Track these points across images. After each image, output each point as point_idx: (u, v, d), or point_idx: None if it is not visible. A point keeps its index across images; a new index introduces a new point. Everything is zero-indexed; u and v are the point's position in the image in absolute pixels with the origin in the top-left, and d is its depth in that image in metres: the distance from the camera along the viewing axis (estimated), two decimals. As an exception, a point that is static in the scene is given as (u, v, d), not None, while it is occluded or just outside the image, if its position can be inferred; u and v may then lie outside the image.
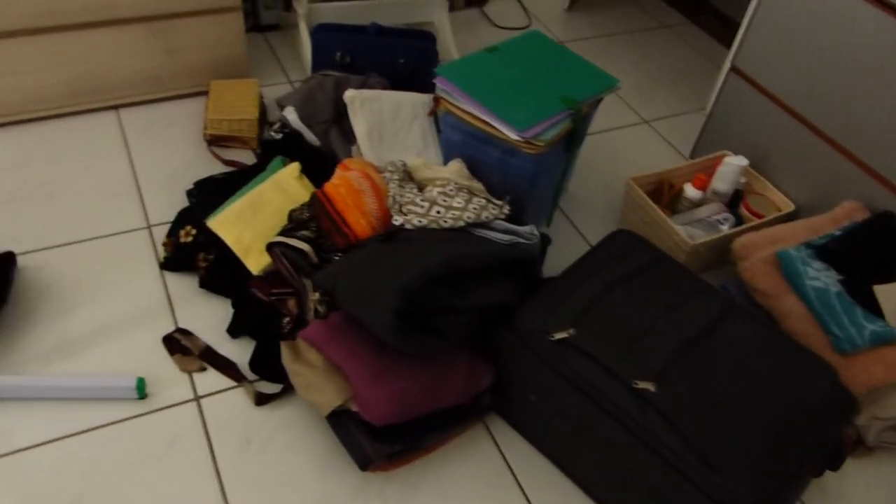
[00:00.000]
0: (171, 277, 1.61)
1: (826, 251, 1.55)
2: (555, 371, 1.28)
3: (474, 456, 1.41)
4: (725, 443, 1.15)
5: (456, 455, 1.40)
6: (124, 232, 1.69)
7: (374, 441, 1.28)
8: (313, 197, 1.51)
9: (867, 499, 1.45)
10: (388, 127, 1.78)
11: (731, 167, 1.82)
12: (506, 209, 1.52)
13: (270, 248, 1.45)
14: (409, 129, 1.80)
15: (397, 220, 1.44)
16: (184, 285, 1.60)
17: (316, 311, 1.40)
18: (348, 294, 1.26)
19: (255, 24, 2.38)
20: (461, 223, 1.45)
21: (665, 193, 1.89)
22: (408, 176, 1.59)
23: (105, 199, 1.76)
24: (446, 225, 1.43)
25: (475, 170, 1.63)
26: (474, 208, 1.47)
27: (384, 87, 1.87)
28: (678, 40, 2.75)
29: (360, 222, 1.44)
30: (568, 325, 1.28)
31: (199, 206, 1.68)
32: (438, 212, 1.45)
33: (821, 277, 1.51)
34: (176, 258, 1.61)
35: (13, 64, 1.79)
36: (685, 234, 1.71)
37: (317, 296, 1.40)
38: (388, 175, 1.56)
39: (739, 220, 1.84)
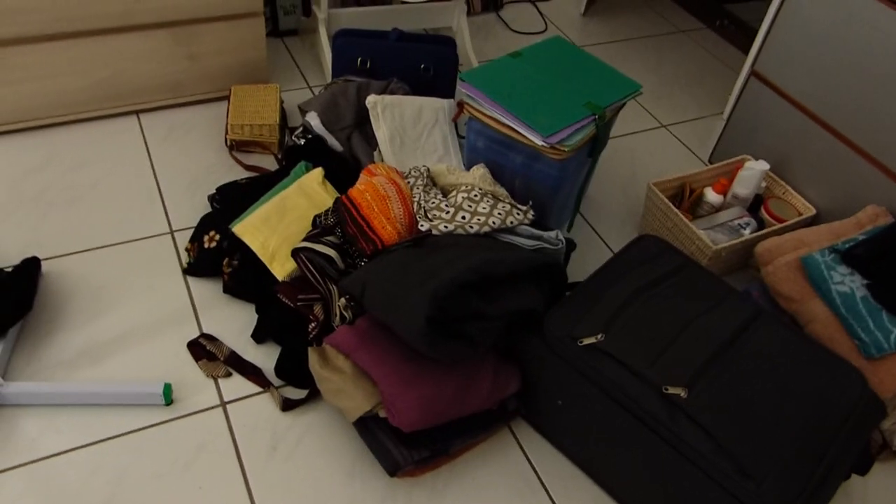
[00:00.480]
0: (194, 283, 1.61)
1: (851, 256, 1.54)
2: (583, 376, 1.28)
3: (501, 461, 1.41)
4: (757, 448, 1.14)
5: (482, 460, 1.40)
6: (147, 237, 1.69)
7: (402, 447, 1.28)
8: (338, 202, 1.51)
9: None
10: (410, 132, 1.78)
11: (752, 171, 1.82)
12: (530, 214, 1.52)
13: (296, 253, 1.45)
14: (430, 134, 1.81)
15: (424, 226, 1.44)
16: (207, 290, 1.60)
17: (342, 316, 1.40)
18: (378, 300, 1.26)
19: (273, 29, 2.38)
20: (486, 228, 1.45)
21: (685, 198, 1.88)
22: (431, 181, 1.59)
23: (127, 203, 1.76)
24: (472, 230, 1.43)
25: (498, 175, 1.63)
26: (499, 214, 1.47)
27: (406, 93, 1.87)
28: (694, 45, 2.74)
29: (385, 228, 1.44)
30: (596, 331, 1.28)
31: (222, 211, 1.68)
32: (464, 217, 1.46)
33: (846, 282, 1.50)
34: (200, 263, 1.61)
35: (37, 68, 1.79)
36: (707, 238, 1.70)
37: (343, 301, 1.40)
38: (411, 180, 1.56)
39: (761, 225, 1.83)
